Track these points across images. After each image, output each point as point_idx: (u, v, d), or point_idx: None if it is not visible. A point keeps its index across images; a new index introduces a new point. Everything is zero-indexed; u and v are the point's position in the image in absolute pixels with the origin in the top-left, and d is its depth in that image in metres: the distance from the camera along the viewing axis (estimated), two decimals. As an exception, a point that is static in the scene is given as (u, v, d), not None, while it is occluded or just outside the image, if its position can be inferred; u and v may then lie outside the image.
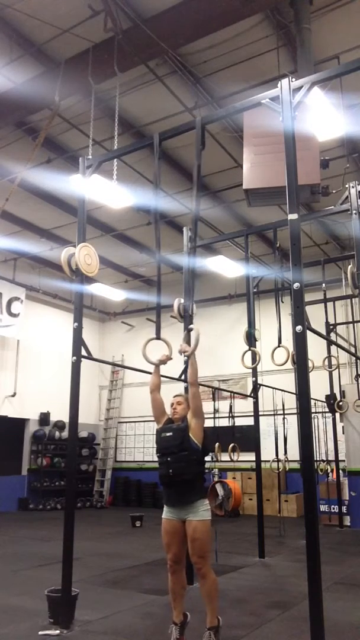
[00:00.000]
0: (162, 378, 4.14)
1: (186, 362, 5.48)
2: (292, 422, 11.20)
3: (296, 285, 3.55)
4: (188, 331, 4.03)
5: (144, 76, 7.37)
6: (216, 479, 12.39)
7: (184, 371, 5.55)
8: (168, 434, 3.80)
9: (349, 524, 9.99)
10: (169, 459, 3.70)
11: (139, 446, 15.50)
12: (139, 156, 8.25)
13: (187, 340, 4.18)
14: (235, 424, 8.92)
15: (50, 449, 14.16)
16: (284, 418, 9.84)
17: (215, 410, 9.10)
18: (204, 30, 6.39)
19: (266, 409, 9.91)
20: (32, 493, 13.56)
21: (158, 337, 4.25)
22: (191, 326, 3.89)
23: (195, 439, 3.71)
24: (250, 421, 7.86)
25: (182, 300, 6.05)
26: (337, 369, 9.60)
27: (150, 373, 4.58)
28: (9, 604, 4.70)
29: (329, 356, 8.98)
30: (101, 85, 7.19)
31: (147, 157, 8.40)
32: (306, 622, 3.13)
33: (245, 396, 8.38)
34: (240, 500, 12.23)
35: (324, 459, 10.90)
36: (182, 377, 5.43)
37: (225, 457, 8.38)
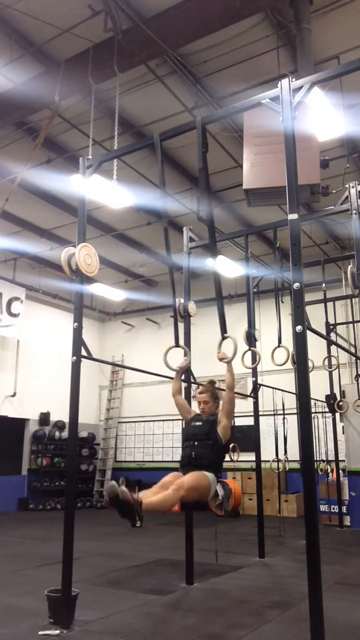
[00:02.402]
0: (162, 378, 4.22)
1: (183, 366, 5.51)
2: (292, 422, 11.19)
3: (296, 285, 3.55)
4: (223, 338, 4.26)
5: (144, 76, 7.37)
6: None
7: (184, 372, 5.56)
8: (198, 423, 4.15)
9: (349, 524, 9.99)
10: (195, 443, 4.03)
11: (139, 446, 15.49)
12: (139, 156, 8.26)
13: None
14: (235, 424, 8.89)
15: (50, 449, 14.16)
16: (284, 418, 9.84)
17: (215, 410, 9.08)
18: (204, 30, 6.39)
19: (266, 409, 9.91)
20: (32, 493, 13.56)
21: (177, 345, 4.42)
22: (226, 335, 4.12)
23: (222, 435, 4.06)
24: (250, 421, 7.86)
25: (182, 300, 6.06)
26: (337, 369, 9.59)
27: (149, 373, 4.61)
28: (9, 604, 4.70)
29: (329, 356, 8.98)
30: (101, 85, 7.19)
31: (147, 157, 8.40)
32: (306, 622, 3.13)
33: (245, 396, 8.37)
34: (240, 500, 12.23)
35: (324, 459, 10.90)
36: (182, 378, 5.43)
37: (225, 457, 8.37)
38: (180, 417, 4.97)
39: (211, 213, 4.45)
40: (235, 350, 4.10)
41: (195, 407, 4.50)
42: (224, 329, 4.19)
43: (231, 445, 7.98)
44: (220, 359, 4.23)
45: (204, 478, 3.91)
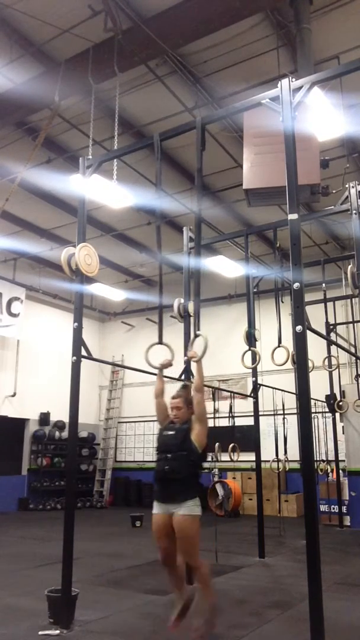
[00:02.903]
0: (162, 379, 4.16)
1: (186, 363, 5.49)
2: (292, 422, 11.19)
3: (296, 285, 3.55)
4: (195, 337, 4.03)
5: (144, 76, 7.37)
6: (216, 479, 12.39)
7: (184, 372, 5.56)
8: (170, 433, 3.83)
9: (349, 524, 9.99)
10: (167, 455, 3.72)
11: (139, 446, 15.50)
12: (139, 156, 8.25)
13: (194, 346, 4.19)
14: (235, 424, 8.92)
15: (50, 449, 14.16)
16: (284, 418, 9.84)
17: (215, 410, 9.09)
18: (204, 30, 6.39)
19: (266, 409, 9.91)
20: (32, 493, 13.56)
21: (160, 342, 4.25)
22: (199, 332, 3.91)
23: (196, 443, 3.72)
24: (250, 421, 7.86)
25: (182, 300, 6.06)
26: (337, 369, 9.60)
27: (150, 373, 4.59)
28: (9, 604, 4.70)
29: (329, 356, 8.98)
30: (101, 85, 7.19)
31: (147, 157, 8.40)
32: (306, 622, 3.13)
33: (245, 396, 8.38)
34: (240, 500, 12.23)
35: (324, 459, 10.90)
36: (182, 378, 5.43)
37: (225, 457, 8.37)
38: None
39: (200, 213, 4.37)
40: (205, 348, 3.78)
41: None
42: (197, 327, 3.99)
43: (231, 446, 8.00)
44: (190, 358, 4.02)
45: (187, 524, 3.59)
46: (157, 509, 3.77)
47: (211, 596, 3.71)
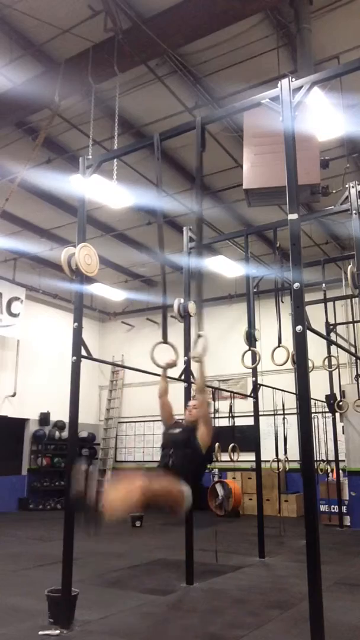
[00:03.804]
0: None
1: (186, 363, 5.49)
2: (292, 422, 11.19)
3: (296, 285, 3.55)
4: (197, 337, 4.01)
5: (144, 76, 7.37)
6: (216, 479, 12.39)
7: (184, 372, 5.56)
8: (176, 431, 3.91)
9: (349, 524, 9.99)
10: (171, 451, 3.76)
11: (139, 446, 15.50)
12: (139, 156, 8.26)
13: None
14: (235, 424, 8.92)
15: (50, 449, 14.16)
16: (284, 418, 9.84)
17: (215, 410, 9.10)
18: (204, 30, 6.39)
19: (266, 409, 9.90)
20: (32, 493, 13.56)
21: (165, 341, 4.24)
22: (200, 332, 3.91)
23: (201, 443, 3.74)
24: (250, 421, 7.86)
25: (182, 300, 6.06)
26: (337, 369, 9.59)
27: (150, 373, 4.59)
28: (9, 604, 4.70)
29: (329, 356, 8.98)
30: (101, 85, 7.19)
31: (147, 157, 8.39)
32: (306, 622, 3.13)
33: (245, 396, 8.38)
34: (240, 500, 12.23)
35: (324, 459, 10.90)
36: (182, 377, 5.43)
37: (225, 457, 8.38)
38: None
39: (201, 213, 4.37)
40: (205, 348, 3.77)
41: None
42: (200, 328, 3.97)
43: (231, 446, 8.00)
44: (193, 359, 4.04)
45: (176, 482, 3.53)
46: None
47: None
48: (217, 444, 8.37)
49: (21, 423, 13.98)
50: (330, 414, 10.68)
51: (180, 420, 3.94)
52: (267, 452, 9.00)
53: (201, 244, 4.31)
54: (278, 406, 9.69)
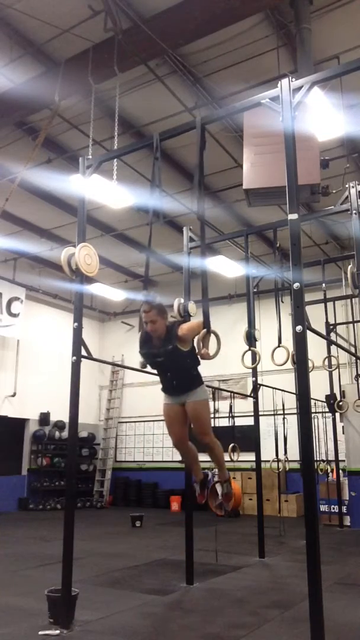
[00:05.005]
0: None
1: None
2: (292, 422, 11.19)
3: (296, 285, 3.55)
4: (207, 333, 4.02)
5: (144, 76, 7.37)
6: (216, 479, 12.37)
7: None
8: (159, 359, 4.06)
9: (349, 524, 9.99)
10: (168, 374, 4.09)
11: (139, 446, 15.50)
12: (139, 156, 8.25)
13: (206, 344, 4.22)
14: (235, 424, 8.91)
15: (50, 449, 14.16)
16: (284, 418, 9.83)
17: (215, 410, 9.09)
18: (204, 30, 6.39)
19: (266, 409, 9.90)
20: (32, 493, 13.56)
21: (209, 331, 4.04)
22: (212, 330, 3.98)
23: (186, 348, 3.99)
24: (250, 421, 7.86)
25: (182, 300, 6.05)
26: (337, 369, 9.59)
27: (150, 373, 4.59)
28: (9, 604, 4.70)
29: (329, 356, 8.98)
30: (101, 85, 7.19)
31: (147, 157, 8.38)
32: (306, 622, 3.12)
33: (245, 396, 8.37)
34: (240, 500, 12.23)
35: (324, 459, 10.90)
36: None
37: (225, 457, 8.37)
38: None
39: (203, 213, 4.37)
40: (219, 346, 3.92)
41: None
42: (208, 326, 4.01)
43: (231, 446, 7.99)
44: (203, 357, 4.09)
45: (201, 408, 4.10)
46: (168, 400, 4.19)
47: (225, 470, 4.39)
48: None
49: (21, 423, 13.98)
50: (330, 414, 10.68)
51: (152, 333, 3.97)
52: (267, 452, 9.00)
53: (204, 242, 4.35)
54: (278, 406, 9.68)
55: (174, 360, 3.98)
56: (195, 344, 4.04)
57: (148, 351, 4.06)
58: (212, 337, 3.94)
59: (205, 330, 3.90)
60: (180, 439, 4.18)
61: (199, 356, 4.02)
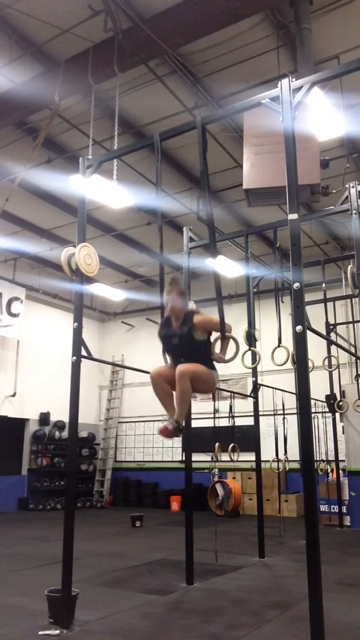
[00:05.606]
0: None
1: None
2: (292, 422, 11.19)
3: (296, 285, 3.55)
4: (222, 337, 4.19)
5: (144, 76, 7.37)
6: (216, 478, 12.39)
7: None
8: (174, 342, 4.14)
9: (349, 524, 9.99)
10: (182, 359, 4.04)
11: (139, 446, 15.50)
12: (139, 156, 8.26)
13: (221, 349, 4.29)
14: (235, 424, 8.91)
15: (50, 449, 14.16)
16: (284, 418, 9.83)
17: (215, 410, 9.10)
18: (204, 30, 6.39)
19: (266, 409, 9.90)
20: (32, 493, 13.56)
21: (224, 335, 4.28)
22: (228, 334, 4.12)
23: (201, 337, 4.10)
24: (250, 421, 7.86)
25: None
26: (337, 369, 9.59)
27: (149, 373, 4.59)
28: (9, 604, 4.70)
29: (329, 356, 8.98)
30: (101, 85, 7.19)
31: (147, 157, 8.39)
32: (306, 622, 3.13)
33: (245, 396, 8.37)
34: (240, 500, 12.23)
35: (324, 459, 10.90)
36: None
37: (225, 457, 8.37)
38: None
39: (211, 213, 4.44)
40: (237, 348, 4.12)
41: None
42: (223, 330, 4.19)
43: (231, 446, 7.99)
44: (218, 361, 4.19)
45: (199, 365, 4.00)
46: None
47: (182, 413, 4.01)
48: (217, 444, 8.35)
49: (21, 423, 13.99)
50: (330, 414, 10.68)
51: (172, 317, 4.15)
52: (267, 452, 9.00)
53: (214, 245, 4.44)
54: (278, 406, 9.68)
55: (188, 346, 4.07)
56: (211, 341, 4.24)
57: (167, 333, 4.21)
58: (231, 342, 4.16)
59: (220, 334, 4.17)
60: (160, 374, 4.08)
61: (213, 360, 4.13)
